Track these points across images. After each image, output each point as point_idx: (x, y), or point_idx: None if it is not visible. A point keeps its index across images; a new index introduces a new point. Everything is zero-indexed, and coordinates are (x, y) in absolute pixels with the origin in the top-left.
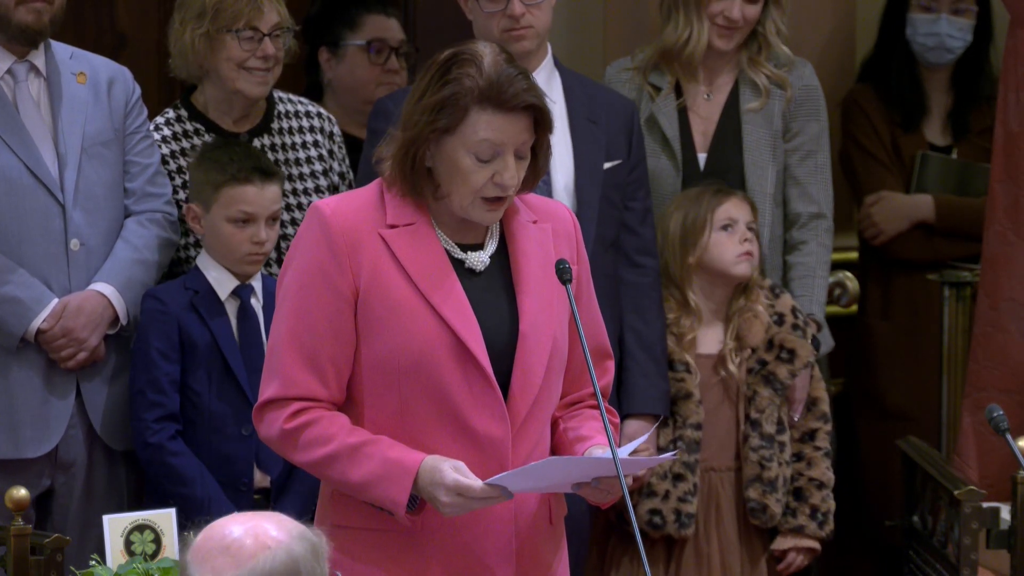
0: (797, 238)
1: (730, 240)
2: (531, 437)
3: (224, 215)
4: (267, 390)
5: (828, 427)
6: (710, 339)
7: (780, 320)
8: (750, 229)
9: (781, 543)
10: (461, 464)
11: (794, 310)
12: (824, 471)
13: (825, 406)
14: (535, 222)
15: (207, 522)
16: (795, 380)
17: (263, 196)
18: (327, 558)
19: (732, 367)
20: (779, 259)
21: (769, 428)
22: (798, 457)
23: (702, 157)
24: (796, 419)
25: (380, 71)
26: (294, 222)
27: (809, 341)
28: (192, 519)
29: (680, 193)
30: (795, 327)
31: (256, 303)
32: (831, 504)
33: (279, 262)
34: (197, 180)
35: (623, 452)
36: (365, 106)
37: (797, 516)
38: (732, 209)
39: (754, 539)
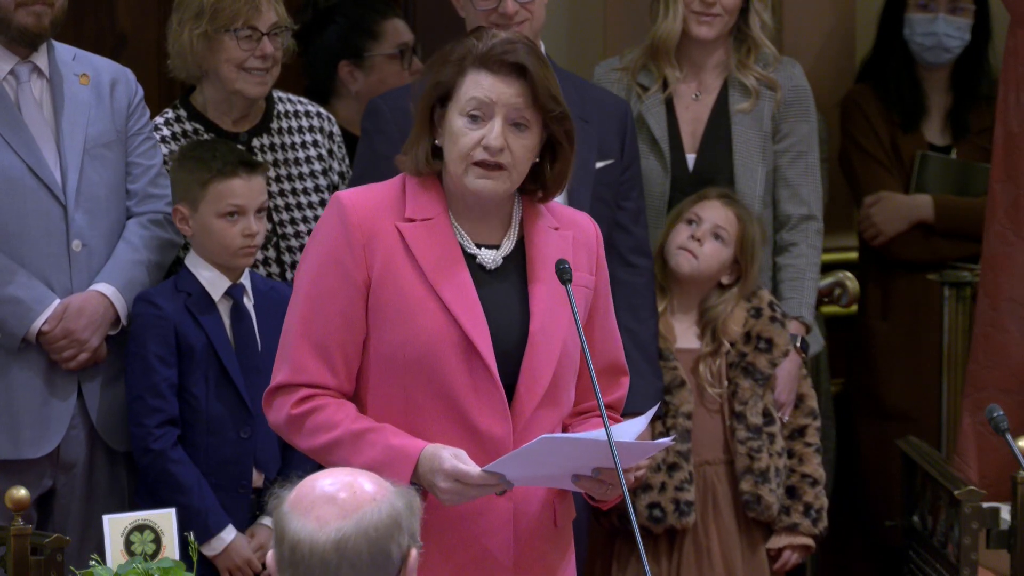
0: (787, 240)
1: (685, 231)
2: (535, 438)
3: (214, 211)
4: (277, 375)
5: (817, 423)
6: (691, 335)
7: (757, 313)
8: (717, 236)
9: (776, 542)
10: (462, 452)
11: (771, 304)
12: (816, 467)
13: (813, 402)
14: (556, 228)
15: (204, 530)
16: (777, 371)
17: (250, 188)
18: (420, 516)
19: (708, 375)
20: (768, 260)
21: (755, 419)
22: (789, 454)
23: (691, 158)
24: (786, 419)
25: (407, 74)
26: (293, 222)
27: (787, 332)
28: (186, 527)
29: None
30: (772, 319)
31: (248, 302)
32: (824, 500)
33: (278, 262)
34: (181, 181)
35: (628, 433)
36: None
37: (791, 514)
38: (705, 209)
39: (753, 531)
